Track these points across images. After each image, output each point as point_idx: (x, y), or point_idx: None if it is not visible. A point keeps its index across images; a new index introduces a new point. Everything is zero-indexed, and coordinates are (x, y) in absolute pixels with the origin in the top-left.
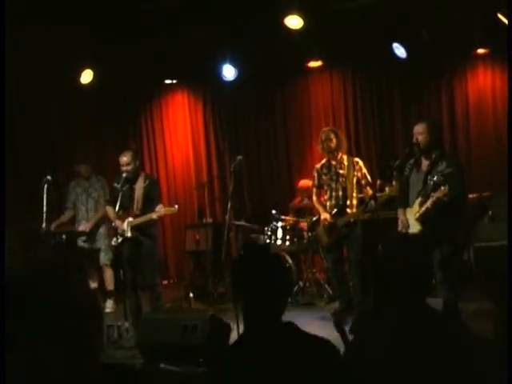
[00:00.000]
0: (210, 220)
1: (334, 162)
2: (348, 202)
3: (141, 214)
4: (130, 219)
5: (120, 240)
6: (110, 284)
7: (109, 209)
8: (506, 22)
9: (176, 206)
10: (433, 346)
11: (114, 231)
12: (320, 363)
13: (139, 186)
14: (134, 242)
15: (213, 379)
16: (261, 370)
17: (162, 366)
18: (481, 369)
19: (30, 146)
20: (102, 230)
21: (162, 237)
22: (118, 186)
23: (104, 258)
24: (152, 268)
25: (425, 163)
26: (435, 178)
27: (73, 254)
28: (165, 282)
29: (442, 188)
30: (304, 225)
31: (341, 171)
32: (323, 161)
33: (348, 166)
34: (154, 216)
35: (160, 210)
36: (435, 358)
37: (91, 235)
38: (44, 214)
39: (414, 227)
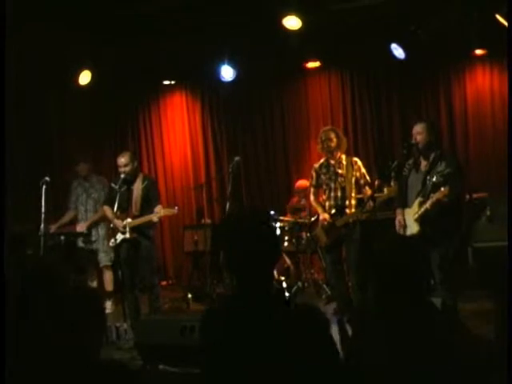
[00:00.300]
0: (208, 221)
1: (332, 162)
2: (347, 202)
3: (139, 215)
4: (129, 220)
5: (118, 241)
6: (109, 285)
7: (106, 209)
8: (504, 22)
9: (176, 208)
10: (431, 345)
11: (112, 232)
12: (309, 329)
13: (137, 187)
14: (132, 242)
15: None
16: (247, 334)
17: (160, 366)
18: (478, 368)
19: (28, 147)
20: (102, 231)
21: (160, 238)
22: (116, 187)
23: (105, 258)
24: (150, 269)
25: (424, 163)
26: (434, 179)
27: (72, 254)
28: (163, 283)
29: (442, 189)
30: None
31: (340, 171)
32: (322, 160)
33: (347, 165)
34: (155, 218)
35: (160, 211)
36: (433, 358)
37: (88, 236)
38: (42, 215)
39: (413, 228)
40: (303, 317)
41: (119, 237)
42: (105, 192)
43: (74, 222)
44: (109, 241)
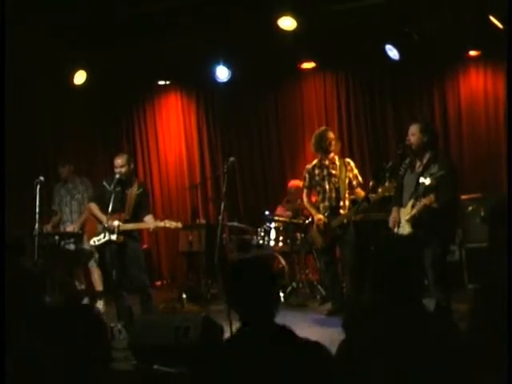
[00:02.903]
0: (203, 221)
1: (326, 163)
2: (341, 203)
3: (131, 220)
4: (117, 223)
5: (101, 241)
6: (98, 285)
7: (92, 205)
8: (497, 23)
9: (179, 223)
10: (424, 346)
11: (100, 231)
12: (311, 366)
13: (132, 192)
14: (119, 245)
15: (201, 379)
16: (250, 372)
17: (154, 367)
18: (471, 369)
19: (21, 148)
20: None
21: (155, 238)
22: (110, 187)
23: (90, 259)
24: (140, 270)
25: (418, 164)
26: (427, 181)
27: (61, 256)
28: (158, 283)
29: (431, 196)
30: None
31: (333, 171)
32: (314, 161)
33: (340, 166)
34: (144, 227)
35: (165, 222)
36: (426, 358)
37: (79, 236)
38: (37, 215)
39: (405, 229)
40: (307, 356)
41: (103, 237)
42: (88, 193)
43: (58, 224)
44: (89, 238)
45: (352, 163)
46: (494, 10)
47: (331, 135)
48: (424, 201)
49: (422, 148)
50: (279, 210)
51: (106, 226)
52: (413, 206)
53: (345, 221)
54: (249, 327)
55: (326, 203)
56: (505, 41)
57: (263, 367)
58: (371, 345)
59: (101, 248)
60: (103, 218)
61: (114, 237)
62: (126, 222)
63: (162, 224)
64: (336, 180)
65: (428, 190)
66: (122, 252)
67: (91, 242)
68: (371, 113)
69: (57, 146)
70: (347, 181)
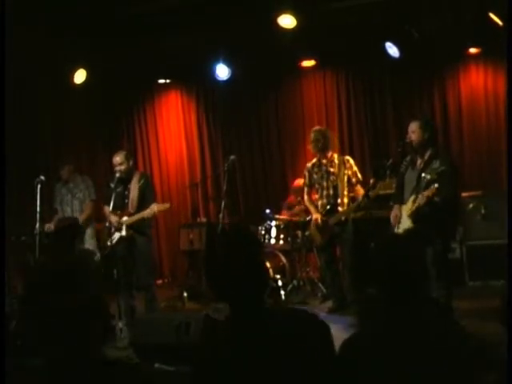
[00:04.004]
0: (203, 219)
1: (324, 161)
2: (339, 201)
3: (135, 213)
4: (125, 218)
5: (115, 240)
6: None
7: (105, 208)
8: (497, 21)
9: (168, 204)
10: (425, 343)
11: (108, 231)
12: (309, 338)
13: (134, 186)
14: (128, 240)
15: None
16: (249, 350)
17: (156, 365)
18: (472, 367)
19: (22, 148)
20: (89, 230)
21: (156, 236)
22: (112, 187)
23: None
24: (146, 268)
25: (419, 161)
26: (428, 177)
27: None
28: (159, 282)
29: (432, 187)
30: (296, 218)
31: (331, 169)
32: (314, 160)
33: (339, 164)
34: (146, 214)
35: (153, 207)
36: (427, 356)
37: (82, 235)
38: (38, 215)
39: (406, 223)
40: (302, 327)
41: (116, 236)
42: (89, 191)
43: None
44: (101, 240)
45: (351, 161)
46: (494, 8)
47: (328, 134)
48: (426, 193)
49: (422, 145)
50: (291, 199)
51: (107, 225)
52: (415, 201)
53: (343, 218)
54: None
55: (324, 201)
56: (505, 38)
57: (261, 344)
58: (371, 344)
59: (114, 246)
60: (111, 217)
61: (123, 233)
62: (131, 215)
63: (156, 208)
64: (334, 178)
65: (429, 184)
66: (131, 248)
67: (108, 243)
68: (371, 110)
69: (57, 145)
70: (346, 178)
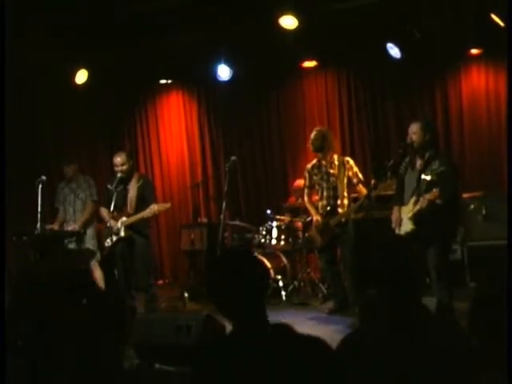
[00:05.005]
0: (204, 220)
1: (324, 162)
2: (339, 202)
3: (134, 214)
4: (124, 219)
5: (114, 240)
6: (101, 283)
7: (102, 210)
8: (499, 21)
9: (169, 203)
10: (425, 344)
11: (109, 232)
12: (312, 362)
13: (133, 186)
14: (127, 241)
15: (201, 379)
16: (250, 371)
17: (156, 366)
18: (472, 367)
19: (23, 148)
20: (90, 230)
21: (156, 236)
22: (112, 187)
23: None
24: (145, 268)
25: (419, 162)
26: (428, 178)
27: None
28: (160, 282)
29: (434, 190)
30: (299, 224)
31: (331, 171)
32: (314, 161)
33: (339, 165)
34: (146, 214)
35: (153, 207)
36: (428, 356)
37: (81, 236)
38: (39, 215)
39: (408, 226)
40: (306, 352)
41: (115, 236)
42: (91, 191)
43: (62, 223)
44: (99, 240)
45: (351, 161)
46: (496, 8)
47: (328, 134)
48: (428, 196)
49: (423, 146)
50: (292, 200)
51: (108, 225)
52: (415, 203)
53: (343, 219)
54: (240, 328)
55: (325, 202)
56: (506, 39)
57: (262, 366)
58: (371, 344)
59: (113, 247)
60: (111, 220)
61: (122, 233)
62: (130, 216)
63: (156, 208)
64: (334, 179)
65: (430, 186)
66: (130, 249)
67: (105, 244)
68: (373, 111)
69: (58, 145)
70: (346, 179)
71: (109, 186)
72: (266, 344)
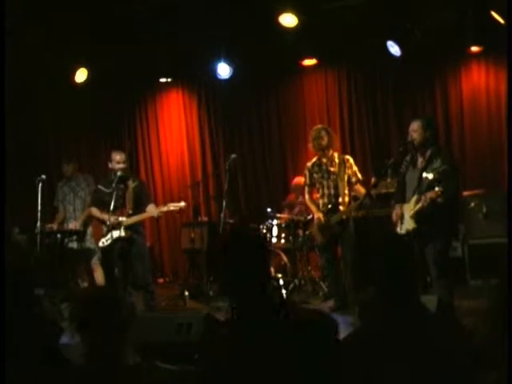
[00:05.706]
0: (205, 218)
1: (324, 160)
2: (340, 200)
3: (133, 214)
4: (123, 218)
5: (110, 241)
6: (101, 283)
7: (93, 210)
8: (499, 19)
9: (183, 203)
10: (425, 343)
11: (106, 231)
12: (317, 336)
13: (129, 187)
14: (127, 240)
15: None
16: (254, 350)
17: (157, 364)
18: (472, 366)
19: (23, 147)
20: (89, 229)
21: (157, 235)
22: (108, 189)
23: (95, 256)
24: (144, 267)
25: (420, 160)
26: (430, 176)
27: (64, 254)
28: (160, 281)
29: (436, 189)
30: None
31: (332, 169)
32: (314, 159)
33: (339, 163)
34: (145, 216)
35: (168, 205)
36: (428, 355)
37: (81, 234)
38: (38, 213)
39: (409, 224)
40: (309, 328)
41: (113, 235)
42: (90, 190)
43: (63, 221)
44: (97, 240)
45: (351, 160)
46: (496, 6)
47: (327, 133)
48: (429, 195)
49: (424, 144)
50: (291, 197)
51: (108, 223)
52: (417, 202)
53: (344, 217)
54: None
55: (325, 200)
56: (506, 36)
57: (268, 343)
58: (371, 342)
59: (111, 246)
60: (106, 217)
61: (122, 233)
62: (129, 216)
63: (165, 208)
64: (334, 177)
65: (431, 184)
66: (129, 248)
67: (100, 244)
68: (373, 109)
69: (59, 144)
70: (346, 178)
71: (100, 187)
72: (265, 330)
